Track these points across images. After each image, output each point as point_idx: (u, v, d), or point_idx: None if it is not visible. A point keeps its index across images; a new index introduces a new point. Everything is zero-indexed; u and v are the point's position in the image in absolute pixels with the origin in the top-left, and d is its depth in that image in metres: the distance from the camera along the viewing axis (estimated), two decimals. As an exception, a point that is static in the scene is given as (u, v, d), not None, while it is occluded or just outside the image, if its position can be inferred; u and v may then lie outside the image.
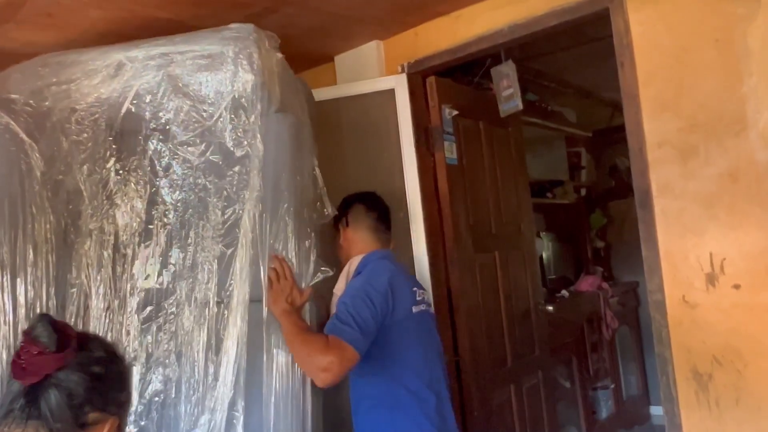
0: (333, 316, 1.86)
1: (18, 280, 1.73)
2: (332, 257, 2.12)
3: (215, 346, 1.83)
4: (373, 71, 2.76)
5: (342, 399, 2.13)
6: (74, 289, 1.88)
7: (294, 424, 1.80)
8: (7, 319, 1.73)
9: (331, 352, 1.72)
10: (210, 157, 1.88)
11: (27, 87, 1.91)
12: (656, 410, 4.40)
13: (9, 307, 1.73)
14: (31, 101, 1.88)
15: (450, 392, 2.08)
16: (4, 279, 1.73)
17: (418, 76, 2.68)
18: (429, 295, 2.30)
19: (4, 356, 1.71)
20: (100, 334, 1.83)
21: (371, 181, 2.48)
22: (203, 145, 1.88)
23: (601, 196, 4.88)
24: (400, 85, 2.63)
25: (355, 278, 2.02)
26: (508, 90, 2.81)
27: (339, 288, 2.12)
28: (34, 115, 1.86)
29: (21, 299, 1.75)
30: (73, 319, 1.85)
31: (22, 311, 1.75)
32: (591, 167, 4.92)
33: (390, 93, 2.65)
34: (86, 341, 1.08)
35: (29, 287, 1.76)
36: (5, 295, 1.72)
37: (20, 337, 1.04)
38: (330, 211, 1.95)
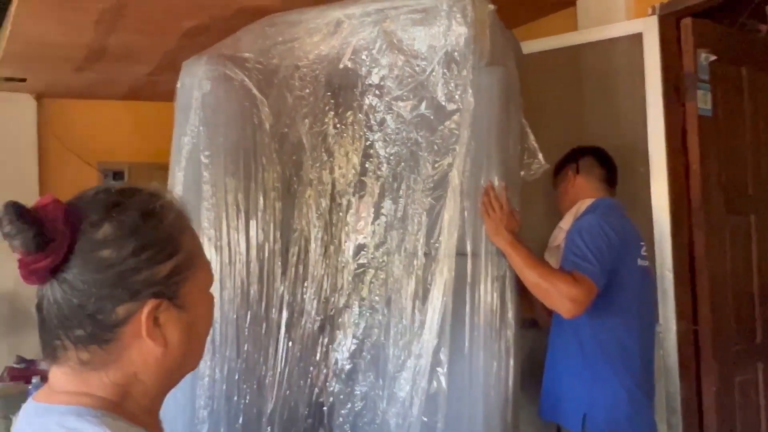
0: (568, 249, 1.87)
1: (251, 223, 1.93)
2: (538, 212, 2.10)
3: (422, 296, 1.90)
4: (618, 15, 2.60)
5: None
6: (296, 234, 2.04)
7: (495, 375, 1.82)
8: (241, 258, 1.93)
9: (578, 284, 1.75)
10: (422, 112, 1.91)
11: (257, 46, 2.07)
12: None
13: (243, 247, 1.93)
14: (260, 59, 2.03)
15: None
16: (240, 222, 1.93)
17: (671, 18, 2.44)
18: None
19: (239, 291, 1.93)
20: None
21: (609, 133, 2.39)
22: (415, 99, 1.92)
23: None
24: (649, 29, 2.43)
25: (584, 216, 2.00)
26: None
27: (566, 222, 2.11)
28: (263, 72, 2.02)
29: (253, 241, 1.95)
30: (294, 258, 2.02)
31: (253, 252, 1.95)
32: None
33: (636, 38, 2.45)
34: (82, 215, 0.79)
35: (260, 230, 1.95)
36: (240, 236, 1.92)
37: None
38: (543, 163, 1.92)
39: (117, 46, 3.24)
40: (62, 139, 4.35)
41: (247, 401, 1.95)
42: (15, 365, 3.86)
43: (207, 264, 0.89)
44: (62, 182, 4.29)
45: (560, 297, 1.75)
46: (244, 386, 1.94)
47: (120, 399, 0.81)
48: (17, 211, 0.75)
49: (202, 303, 0.87)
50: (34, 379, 3.61)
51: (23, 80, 3.91)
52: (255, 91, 1.97)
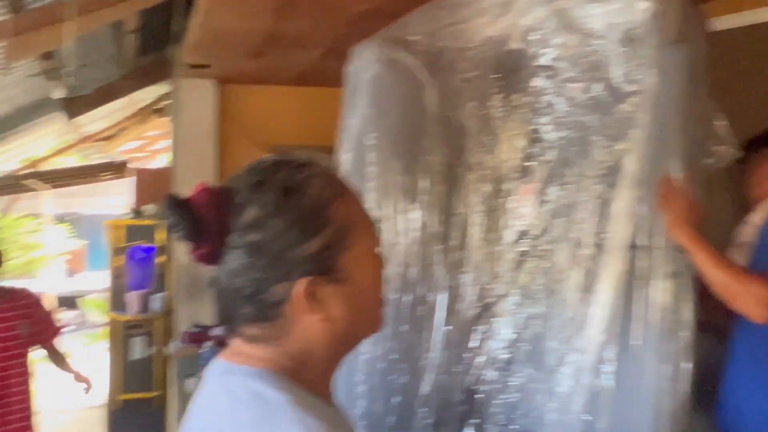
0: (765, 248, 1.72)
1: (414, 205, 1.94)
2: (721, 204, 1.91)
3: (587, 288, 1.80)
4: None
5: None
6: (457, 218, 2.02)
7: (669, 379, 1.69)
8: (402, 239, 1.95)
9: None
10: (595, 94, 1.81)
11: (425, 29, 2.07)
12: None
13: (405, 229, 1.95)
14: (428, 42, 2.03)
15: None
16: (402, 204, 1.94)
17: None
18: None
19: (400, 272, 1.95)
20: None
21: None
22: (589, 81, 1.81)
23: None
24: None
25: None
26: None
27: (760, 216, 1.93)
28: (430, 56, 2.02)
29: (414, 223, 1.96)
30: (455, 243, 2.01)
31: (415, 234, 1.96)
32: None
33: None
34: (230, 200, 0.81)
35: (422, 213, 1.95)
36: (402, 217, 1.94)
37: None
38: (731, 150, 1.74)
39: (291, 31, 3.39)
40: (238, 122, 4.65)
41: (403, 381, 1.97)
42: (192, 330, 4.22)
43: (368, 228, 0.86)
44: (238, 164, 4.55)
45: (754, 301, 1.58)
46: (401, 366, 1.97)
47: (297, 367, 0.83)
48: (175, 203, 0.80)
49: (365, 270, 0.84)
50: (208, 344, 3.93)
51: (207, 66, 4.21)
52: (421, 74, 1.96)
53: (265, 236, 0.79)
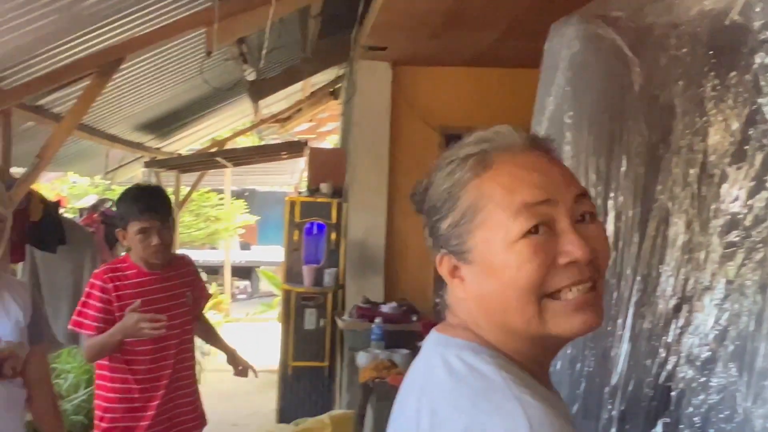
0: None
1: (610, 187, 1.85)
2: None
3: (813, 286, 1.63)
4: None
5: None
6: (657, 203, 1.90)
7: None
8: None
9: None
10: (833, 70, 1.61)
11: (630, 5, 1.96)
12: None
13: (599, 211, 1.87)
14: (633, 18, 1.92)
15: None
16: (599, 186, 1.87)
17: None
18: None
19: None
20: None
21: None
22: (825, 56, 1.62)
23: None
24: None
25: None
26: None
27: None
28: (636, 32, 1.90)
29: (610, 206, 1.87)
30: (653, 230, 1.89)
31: (610, 218, 1.88)
32: None
33: None
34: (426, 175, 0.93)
35: (618, 196, 1.86)
36: (597, 200, 1.86)
37: None
38: None
39: (471, 11, 3.37)
40: (411, 103, 4.72)
41: (590, 369, 1.90)
42: (361, 304, 4.38)
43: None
44: (408, 144, 4.67)
45: None
46: (589, 354, 1.90)
47: (494, 344, 0.84)
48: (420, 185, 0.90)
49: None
50: (377, 319, 4.06)
51: (384, 49, 4.32)
52: (626, 51, 1.86)
53: (427, 206, 0.88)
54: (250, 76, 4.80)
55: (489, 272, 0.81)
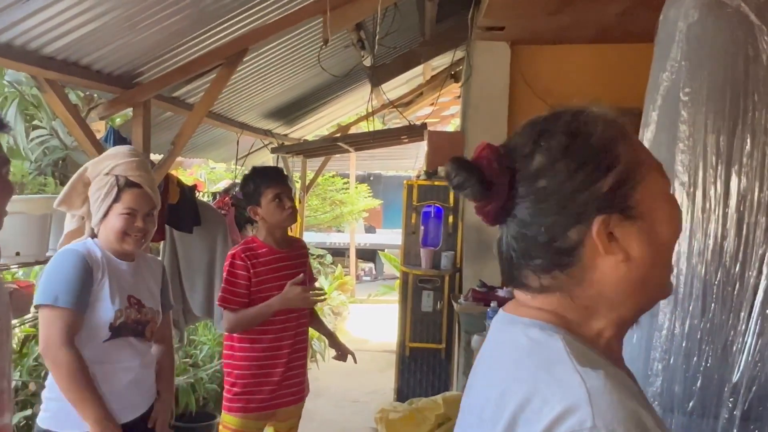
0: None
1: (733, 169, 1.71)
2: None
3: None
4: None
5: None
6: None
7: None
8: (717, 208, 1.74)
9: None
10: None
11: (758, -34, 1.79)
12: None
13: (721, 196, 1.73)
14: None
15: None
16: (720, 168, 1.73)
17: None
18: None
19: (711, 244, 1.74)
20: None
21: None
22: None
23: None
24: None
25: None
26: None
27: None
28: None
29: (733, 189, 1.73)
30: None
31: (732, 202, 1.74)
32: None
33: None
34: (514, 153, 0.83)
35: (743, 178, 1.71)
36: (719, 183, 1.73)
37: None
38: None
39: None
40: (530, 83, 4.59)
41: (708, 365, 1.78)
42: (477, 288, 4.35)
43: (657, 166, 0.84)
44: (527, 125, 4.55)
45: None
46: (707, 348, 1.78)
47: (581, 320, 0.83)
48: (460, 163, 0.83)
49: (660, 207, 0.81)
50: (493, 303, 4.02)
51: (501, 29, 4.22)
52: (753, 17, 1.70)
53: (555, 180, 0.80)
54: (368, 61, 4.87)
55: (656, 223, 0.80)
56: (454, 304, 4.52)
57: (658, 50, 1.87)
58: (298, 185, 7.84)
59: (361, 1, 3.45)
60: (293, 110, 6.44)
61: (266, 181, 2.80)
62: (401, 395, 4.92)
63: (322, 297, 2.89)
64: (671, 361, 1.81)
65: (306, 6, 3.50)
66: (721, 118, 1.72)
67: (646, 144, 1.80)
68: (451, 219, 4.94)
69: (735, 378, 1.78)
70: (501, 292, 4.19)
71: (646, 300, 0.84)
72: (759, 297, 1.75)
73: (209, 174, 9.85)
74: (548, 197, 0.80)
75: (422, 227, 5.03)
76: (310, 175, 8.13)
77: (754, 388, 1.78)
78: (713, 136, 1.73)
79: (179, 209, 4.29)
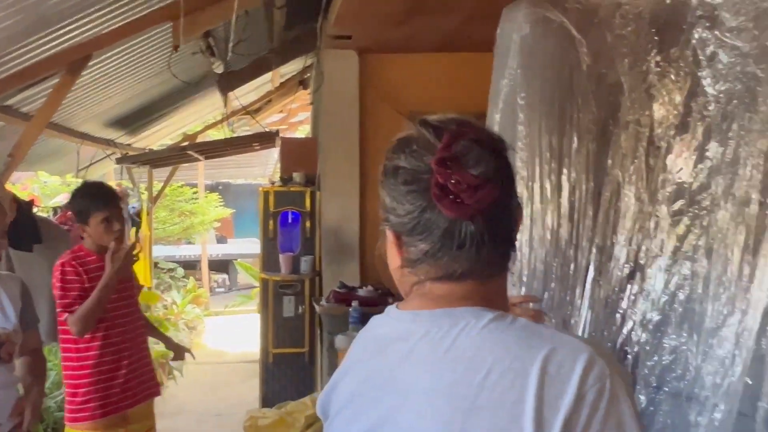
0: None
1: (564, 164, 1.94)
2: None
3: (752, 247, 1.74)
4: None
5: None
6: (609, 177, 2.00)
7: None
8: (552, 198, 1.97)
9: None
10: (764, 43, 1.72)
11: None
12: None
13: (555, 188, 1.97)
14: (581, 0, 2.01)
15: None
16: (553, 163, 1.96)
17: None
18: None
19: (549, 231, 1.97)
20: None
21: None
22: (756, 30, 1.72)
23: None
24: None
25: None
26: None
27: None
28: (582, 13, 1.99)
29: (564, 182, 1.97)
30: (606, 202, 2.00)
31: (565, 193, 1.97)
32: None
33: None
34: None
35: (572, 172, 1.95)
36: (553, 176, 1.96)
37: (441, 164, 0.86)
38: None
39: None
40: (379, 91, 4.78)
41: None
42: (338, 289, 4.46)
43: None
44: (378, 130, 4.74)
45: None
46: (552, 321, 2.00)
47: (505, 299, 0.95)
48: (476, 141, 0.88)
49: None
50: (354, 303, 4.14)
51: (349, 37, 4.37)
52: (574, 31, 1.95)
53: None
54: (218, 68, 4.83)
55: None
56: (316, 307, 4.59)
57: (497, 59, 2.08)
58: (144, 196, 7.51)
59: (212, 9, 3.43)
60: (139, 118, 6.20)
61: (96, 203, 2.79)
62: (267, 403, 4.91)
63: (139, 249, 2.98)
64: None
65: (154, 11, 3.43)
66: (552, 119, 1.95)
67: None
68: (308, 223, 5.01)
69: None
70: (361, 292, 4.33)
71: None
72: (590, 275, 2.00)
73: (43, 188, 9.16)
74: (512, 180, 0.93)
75: (280, 233, 5.05)
76: (157, 186, 7.83)
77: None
78: (546, 135, 1.96)
79: (17, 227, 3.99)
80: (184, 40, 3.32)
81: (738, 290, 1.75)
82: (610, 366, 0.80)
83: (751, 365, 1.69)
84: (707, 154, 1.86)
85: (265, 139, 5.99)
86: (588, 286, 2.03)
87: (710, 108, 1.84)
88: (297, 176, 5.03)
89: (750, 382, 1.70)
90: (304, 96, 7.25)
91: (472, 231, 0.85)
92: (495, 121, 2.04)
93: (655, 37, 1.96)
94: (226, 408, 5.64)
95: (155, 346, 6.08)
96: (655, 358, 1.98)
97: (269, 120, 8.58)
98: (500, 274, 0.91)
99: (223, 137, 7.18)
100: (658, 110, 1.96)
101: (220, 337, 8.42)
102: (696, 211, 1.88)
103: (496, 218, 0.87)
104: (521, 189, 1.96)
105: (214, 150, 6.85)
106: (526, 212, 1.99)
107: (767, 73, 1.72)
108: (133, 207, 7.06)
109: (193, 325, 8.34)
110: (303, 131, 9.37)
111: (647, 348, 1.99)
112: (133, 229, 6.71)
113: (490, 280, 0.90)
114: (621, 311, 2.04)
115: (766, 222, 1.69)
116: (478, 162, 0.85)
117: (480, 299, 0.88)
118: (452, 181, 0.83)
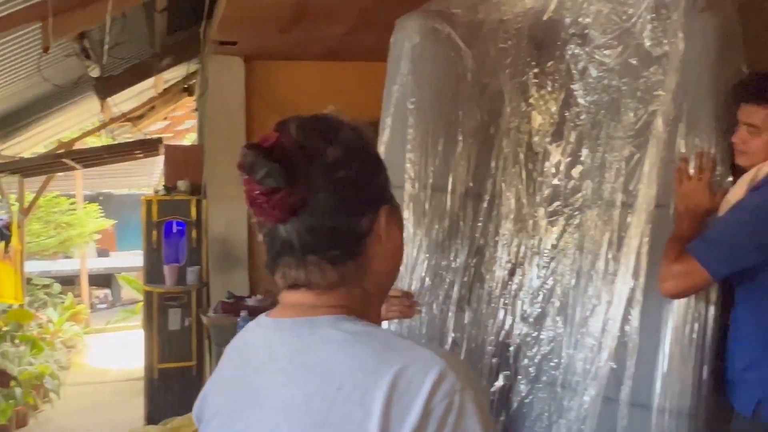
0: (710, 229, 1.72)
1: (449, 165, 2.05)
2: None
3: (617, 244, 1.90)
4: None
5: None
6: (491, 180, 2.13)
7: (691, 330, 1.79)
8: (438, 196, 2.07)
9: (678, 264, 1.66)
10: (626, 59, 1.89)
11: (464, 2, 2.17)
12: None
13: (441, 187, 2.07)
14: (467, 14, 2.13)
15: None
16: (438, 164, 2.06)
17: None
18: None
19: (435, 227, 2.06)
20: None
21: None
22: (620, 47, 1.90)
23: None
24: None
25: (757, 191, 1.69)
26: None
27: (735, 195, 1.74)
28: (469, 26, 2.12)
29: (449, 183, 2.07)
30: (487, 203, 2.12)
31: (449, 193, 2.08)
32: None
33: None
34: (311, 144, 0.83)
35: (457, 173, 2.07)
36: (438, 177, 2.06)
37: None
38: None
39: (318, 5, 3.44)
40: (266, 98, 4.75)
41: (430, 334, 2.10)
42: (226, 299, 4.37)
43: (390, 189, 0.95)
44: (266, 138, 4.70)
45: (660, 275, 1.70)
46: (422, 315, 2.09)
47: (362, 309, 0.87)
48: (259, 150, 0.81)
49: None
50: (243, 313, 4.07)
51: (234, 43, 4.31)
52: (460, 43, 2.07)
53: (351, 171, 0.83)
54: (94, 72, 4.61)
55: (401, 216, 0.92)
56: (203, 319, 4.48)
57: (390, 66, 2.15)
58: (15, 208, 7.01)
59: (85, 9, 3.28)
60: (8, 124, 5.79)
61: None
62: (152, 420, 4.71)
63: None
64: (403, 330, 2.09)
65: (20, 11, 3.22)
66: (439, 124, 2.05)
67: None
68: (194, 233, 4.88)
69: (449, 340, 2.12)
70: (250, 301, 4.27)
71: (390, 288, 0.95)
72: (472, 273, 2.12)
73: None
74: (346, 187, 0.83)
75: (165, 243, 4.88)
76: (29, 197, 7.33)
77: (472, 348, 2.14)
78: (433, 138, 2.05)
79: None
80: (54, 41, 3.15)
81: (605, 283, 1.91)
82: (464, 380, 0.77)
83: (615, 351, 1.86)
84: (580, 159, 2.02)
85: (148, 146, 5.78)
86: (471, 282, 2.14)
87: (582, 117, 2.01)
88: (182, 184, 4.89)
89: (614, 366, 1.86)
90: (189, 102, 7.06)
91: (284, 237, 0.83)
92: (387, 125, 2.12)
93: (534, 51, 2.11)
94: (108, 430, 5.35)
95: (27, 368, 5.69)
96: (535, 348, 2.11)
97: (153, 128, 8.27)
98: (351, 283, 0.85)
99: (104, 144, 6.84)
100: (536, 118, 2.10)
101: (102, 355, 7.98)
102: (570, 211, 2.04)
103: (315, 225, 0.82)
104: (411, 187, 2.05)
105: (92, 158, 6.51)
106: (414, 211, 2.06)
107: (629, 86, 1.90)
108: (2, 219, 6.58)
109: (72, 344, 7.85)
110: (190, 139, 9.10)
111: (527, 340, 2.12)
112: (2, 243, 6.24)
113: (338, 289, 0.85)
114: (503, 307, 2.16)
115: (628, 221, 1.86)
116: (267, 172, 0.80)
117: (340, 308, 0.85)
118: (245, 188, 0.83)
